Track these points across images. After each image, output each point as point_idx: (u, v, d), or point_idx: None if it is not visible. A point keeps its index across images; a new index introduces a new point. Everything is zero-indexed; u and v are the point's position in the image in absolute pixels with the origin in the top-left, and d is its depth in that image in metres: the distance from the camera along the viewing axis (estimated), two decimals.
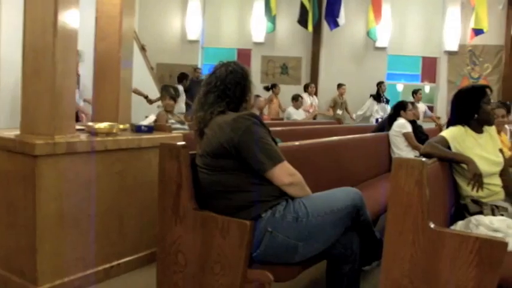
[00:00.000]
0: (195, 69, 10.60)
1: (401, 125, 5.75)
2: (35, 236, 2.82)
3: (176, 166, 2.38)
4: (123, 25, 3.78)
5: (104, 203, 3.20)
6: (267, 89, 10.22)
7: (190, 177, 2.38)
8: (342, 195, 2.41)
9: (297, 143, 3.48)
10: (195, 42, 12.17)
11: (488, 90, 3.05)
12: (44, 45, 2.99)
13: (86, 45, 4.08)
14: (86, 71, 5.49)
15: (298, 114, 9.28)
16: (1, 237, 3.06)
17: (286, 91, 10.71)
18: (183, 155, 2.37)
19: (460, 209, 2.92)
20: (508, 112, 5.58)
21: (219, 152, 2.27)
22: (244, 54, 12.06)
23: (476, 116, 3.05)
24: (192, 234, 2.34)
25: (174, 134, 3.83)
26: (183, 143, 2.44)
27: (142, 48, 9.46)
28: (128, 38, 3.88)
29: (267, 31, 11.75)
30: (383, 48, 11.69)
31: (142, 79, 8.41)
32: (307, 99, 10.20)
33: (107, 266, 3.24)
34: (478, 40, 11.13)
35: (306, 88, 10.51)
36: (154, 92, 8.41)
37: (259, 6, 11.71)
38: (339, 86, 10.77)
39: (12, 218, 2.97)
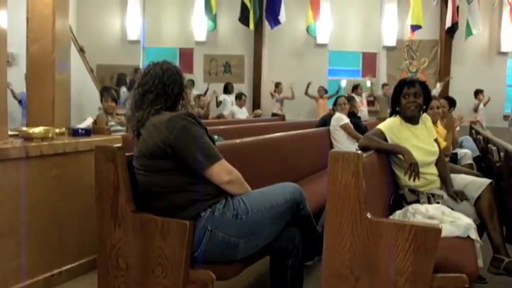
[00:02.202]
0: (136, 70, 10.42)
1: (338, 118, 5.88)
2: None
3: (112, 168, 2.32)
4: (56, 26, 3.67)
5: (41, 210, 3.10)
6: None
7: (128, 180, 2.33)
8: (281, 190, 2.43)
9: (238, 140, 3.49)
10: (136, 42, 12.00)
11: (407, 84, 3.11)
12: None
13: (20, 47, 3.95)
14: (20, 74, 5.29)
15: (241, 113, 9.30)
16: None
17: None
18: (120, 157, 2.32)
19: (399, 199, 3.00)
20: (453, 106, 5.78)
21: (155, 152, 2.25)
22: (187, 54, 11.98)
23: (398, 109, 3.16)
24: (132, 237, 2.30)
25: (113, 136, 3.75)
26: (119, 144, 2.40)
27: (81, 50, 9.22)
28: (63, 39, 3.77)
29: (208, 30, 11.72)
30: (324, 45, 11.89)
31: (82, 81, 8.20)
32: (356, 99, 10.28)
33: (48, 274, 3.14)
34: (415, 35, 11.50)
35: (354, 89, 10.66)
36: (95, 94, 8.20)
37: (200, 5, 11.66)
38: (384, 85, 10.92)
39: None
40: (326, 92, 11.02)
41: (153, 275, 2.26)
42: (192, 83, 10.61)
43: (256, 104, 11.52)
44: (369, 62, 12.31)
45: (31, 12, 3.72)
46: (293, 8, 11.63)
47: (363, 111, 10.31)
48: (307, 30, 11.65)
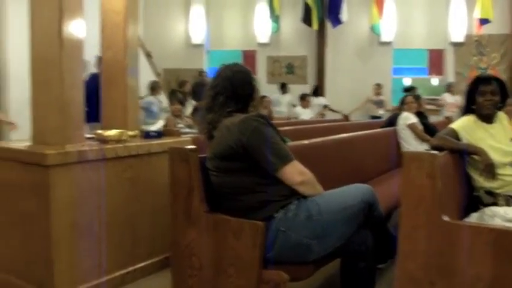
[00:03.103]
0: (200, 72, 10.62)
1: (405, 117, 5.74)
2: (50, 245, 2.84)
3: (186, 170, 2.38)
4: (128, 33, 3.80)
5: (116, 210, 3.22)
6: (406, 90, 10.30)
7: (201, 180, 2.38)
8: (353, 191, 2.41)
9: (306, 141, 3.48)
10: (200, 46, 12.20)
11: (483, 81, 3.00)
12: (50, 57, 3.03)
13: (90, 54, 4.10)
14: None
15: (306, 114, 9.28)
16: (18, 248, 3.09)
17: (292, 91, 10.73)
18: (193, 159, 2.37)
19: (474, 201, 2.89)
20: None
21: (228, 153, 2.28)
22: (250, 56, 12.08)
23: (474, 107, 3.04)
24: (205, 237, 2.35)
25: (183, 138, 3.83)
26: (193, 146, 2.45)
27: (148, 55, 9.50)
28: (133, 45, 3.89)
29: (272, 31, 11.78)
30: (388, 43, 11.65)
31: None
32: (447, 99, 10.05)
33: (123, 272, 3.26)
34: (484, 30, 11.06)
35: (448, 89, 10.46)
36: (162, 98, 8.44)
37: (262, 7, 11.74)
38: None
39: (27, 228, 3.00)
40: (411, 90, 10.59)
41: (226, 274, 2.29)
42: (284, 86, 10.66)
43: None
44: (435, 59, 11.94)
45: (104, 21, 3.87)
46: (355, 6, 11.47)
47: (455, 112, 9.86)
48: (372, 28, 11.47)
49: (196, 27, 12.14)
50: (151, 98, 7.81)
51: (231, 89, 2.43)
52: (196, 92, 9.38)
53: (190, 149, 2.40)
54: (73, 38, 3.07)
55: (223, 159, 2.31)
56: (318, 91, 10.46)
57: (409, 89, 9.92)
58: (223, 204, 2.36)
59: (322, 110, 10.26)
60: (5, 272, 3.16)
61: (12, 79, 5.46)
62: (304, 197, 2.29)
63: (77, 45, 3.13)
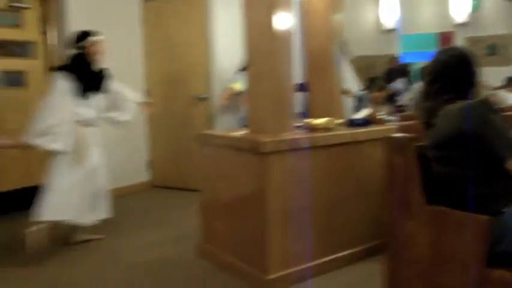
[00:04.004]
0: (393, 58, 10.32)
1: None
2: (265, 229, 3.02)
3: (404, 159, 2.30)
4: (331, 20, 3.84)
5: (323, 197, 3.29)
6: None
7: (419, 171, 2.29)
8: None
9: None
10: (392, 30, 11.85)
11: None
12: (263, 50, 3.19)
13: None
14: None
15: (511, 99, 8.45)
16: (235, 229, 3.35)
17: (496, 73, 9.87)
18: (411, 148, 2.29)
19: None
20: None
21: (450, 142, 2.16)
22: (446, 38, 11.38)
23: None
24: (423, 229, 2.26)
25: (390, 126, 3.76)
26: (412, 134, 2.36)
27: (344, 43, 9.51)
28: (337, 34, 3.92)
29: (472, 10, 10.97)
30: None
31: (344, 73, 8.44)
32: None
33: (327, 259, 3.34)
34: None
35: None
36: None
37: None
38: None
39: (244, 212, 3.23)
40: None
41: (446, 270, 2.19)
42: None
43: None
44: None
45: (307, 10, 3.96)
46: None
47: None
48: None
49: (387, 11, 11.82)
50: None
51: (446, 74, 2.31)
52: (390, 78, 9.16)
53: (408, 137, 2.32)
54: (283, 31, 3.19)
55: (444, 148, 2.20)
56: None
57: None
58: (444, 196, 2.24)
59: None
60: (222, 251, 3.45)
61: (218, 73, 5.90)
62: None
63: (287, 38, 3.25)
